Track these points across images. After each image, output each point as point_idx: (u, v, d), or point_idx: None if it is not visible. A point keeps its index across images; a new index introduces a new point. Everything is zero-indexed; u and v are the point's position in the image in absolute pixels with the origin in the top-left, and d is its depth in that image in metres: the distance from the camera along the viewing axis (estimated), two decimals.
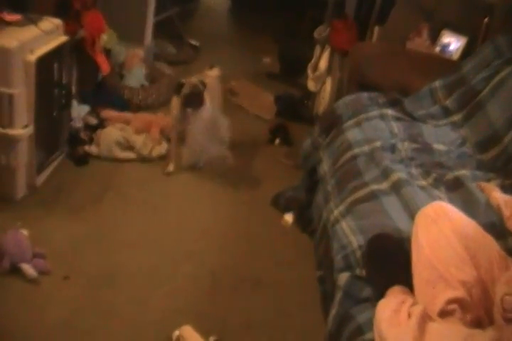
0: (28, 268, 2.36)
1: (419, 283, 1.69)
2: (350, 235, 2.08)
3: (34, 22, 2.76)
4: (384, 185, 2.30)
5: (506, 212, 2.05)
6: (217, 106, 3.54)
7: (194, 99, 3.18)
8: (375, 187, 2.29)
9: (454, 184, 2.32)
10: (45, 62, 2.74)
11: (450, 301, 1.56)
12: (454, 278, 1.61)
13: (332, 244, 2.16)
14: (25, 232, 2.50)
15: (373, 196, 2.23)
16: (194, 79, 3.23)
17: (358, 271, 1.94)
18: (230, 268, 2.70)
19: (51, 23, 2.86)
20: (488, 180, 2.40)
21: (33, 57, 2.62)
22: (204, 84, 3.22)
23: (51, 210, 2.85)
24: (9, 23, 2.69)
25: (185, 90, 3.17)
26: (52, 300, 2.31)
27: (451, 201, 2.13)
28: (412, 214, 2.03)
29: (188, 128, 3.31)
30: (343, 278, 1.95)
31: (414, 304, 1.62)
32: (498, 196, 2.17)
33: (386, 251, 1.88)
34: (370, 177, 2.37)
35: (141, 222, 2.93)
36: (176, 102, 3.27)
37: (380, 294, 1.75)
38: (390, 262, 1.84)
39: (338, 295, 1.94)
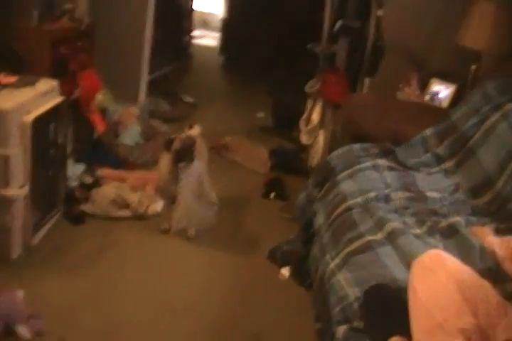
0: (23, 330, 2.31)
1: (417, 332, 1.66)
2: (347, 287, 2.06)
3: (31, 83, 2.81)
4: (379, 236, 2.29)
5: (501, 253, 2.04)
6: (203, 165, 3.46)
7: (186, 154, 3.14)
8: (370, 237, 2.28)
9: (449, 231, 2.32)
10: (41, 123, 2.77)
11: None
12: (453, 326, 1.58)
13: (329, 297, 2.15)
14: (20, 293, 2.46)
15: (369, 247, 2.22)
16: (183, 135, 3.23)
17: (356, 324, 1.91)
18: (229, 323, 2.67)
19: (48, 83, 2.92)
20: (483, 225, 2.40)
21: (29, 118, 2.65)
22: (193, 139, 3.19)
23: (47, 269, 2.83)
24: (5, 85, 2.74)
25: (176, 145, 3.13)
26: None
27: (447, 248, 2.12)
28: (408, 263, 2.02)
29: (178, 186, 3.22)
30: (341, 330, 1.93)
31: None
32: (492, 240, 2.16)
33: (383, 302, 1.87)
34: (365, 228, 2.37)
35: (139, 279, 2.91)
36: (166, 159, 3.22)
37: None
38: (387, 312, 1.82)
39: None
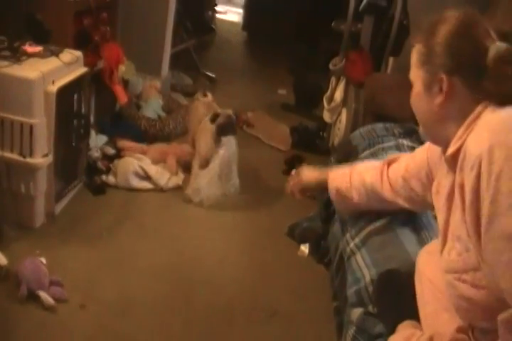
0: (46, 296, 2.36)
1: (425, 316, 1.68)
2: (364, 268, 2.07)
3: (55, 53, 2.82)
4: (400, 216, 2.28)
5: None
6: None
7: (228, 128, 3.47)
8: (390, 217, 2.26)
9: None
10: (65, 93, 2.78)
11: (458, 330, 1.54)
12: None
13: (346, 277, 2.16)
14: (43, 260, 2.51)
15: (389, 228, 2.20)
16: (228, 111, 3.55)
17: (370, 308, 1.93)
18: (246, 298, 2.69)
19: (72, 54, 2.92)
20: None
21: (54, 88, 2.66)
22: (237, 115, 3.60)
23: (69, 238, 2.87)
24: (31, 55, 2.74)
25: (220, 120, 3.45)
26: (69, 328, 2.30)
27: None
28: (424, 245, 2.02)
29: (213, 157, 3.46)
30: (356, 314, 1.95)
31: (421, 336, 1.60)
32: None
33: (395, 288, 1.88)
34: None
35: (158, 250, 2.94)
36: (209, 132, 3.48)
37: (391, 330, 1.74)
38: (399, 298, 1.84)
39: (351, 331, 1.94)
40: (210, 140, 3.48)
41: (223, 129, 3.45)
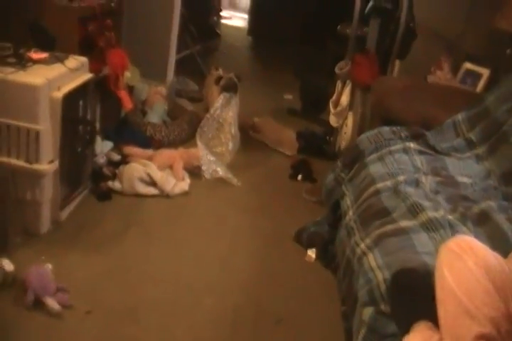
0: (52, 302, 2.35)
1: (444, 318, 1.63)
2: (376, 269, 2.03)
3: (60, 60, 2.82)
4: (413, 222, 2.21)
5: None
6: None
7: (230, 88, 4.26)
8: (403, 224, 2.22)
9: (480, 218, 2.26)
10: (71, 99, 2.77)
11: (478, 337, 1.51)
12: (481, 314, 1.55)
13: (357, 278, 2.13)
14: (49, 266, 2.51)
15: (403, 232, 2.16)
16: (230, 74, 4.36)
17: (382, 307, 1.89)
18: (252, 303, 2.67)
19: (77, 60, 2.92)
20: None
21: (59, 94, 2.65)
22: (239, 78, 4.33)
23: (74, 245, 2.86)
24: (36, 61, 2.74)
25: (223, 81, 4.28)
26: (75, 334, 2.29)
27: (478, 235, 2.08)
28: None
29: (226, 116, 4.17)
30: (368, 312, 1.91)
31: (440, 340, 1.57)
32: None
33: (410, 286, 1.84)
34: (398, 214, 2.30)
35: (163, 256, 2.93)
36: (216, 91, 4.32)
37: (404, 330, 1.70)
38: (414, 297, 1.79)
39: (363, 331, 1.90)
40: (216, 97, 4.27)
41: (226, 88, 4.26)
